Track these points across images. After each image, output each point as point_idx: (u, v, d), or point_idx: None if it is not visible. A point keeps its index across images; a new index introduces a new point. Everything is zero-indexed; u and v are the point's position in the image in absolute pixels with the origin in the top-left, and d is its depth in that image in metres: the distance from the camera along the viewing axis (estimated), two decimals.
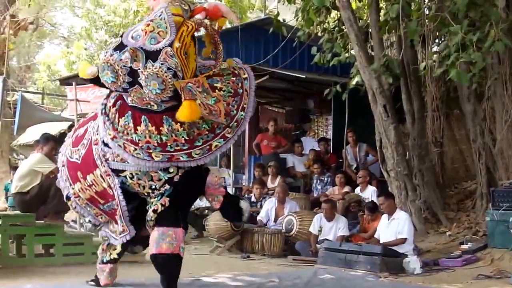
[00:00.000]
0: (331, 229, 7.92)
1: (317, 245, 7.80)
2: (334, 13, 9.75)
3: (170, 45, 3.72)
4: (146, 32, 3.74)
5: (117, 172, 4.20)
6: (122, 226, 4.34)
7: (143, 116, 3.98)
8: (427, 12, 7.81)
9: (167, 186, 4.11)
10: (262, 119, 13.27)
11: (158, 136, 3.97)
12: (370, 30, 8.78)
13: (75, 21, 22.17)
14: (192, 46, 3.90)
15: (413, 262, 6.72)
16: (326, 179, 9.54)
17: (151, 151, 4.01)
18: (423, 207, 8.33)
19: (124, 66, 3.76)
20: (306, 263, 7.41)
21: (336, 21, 9.68)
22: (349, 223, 8.09)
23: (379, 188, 8.82)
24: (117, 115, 4.04)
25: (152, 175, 4.15)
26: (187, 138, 4.01)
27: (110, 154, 4.18)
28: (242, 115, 4.21)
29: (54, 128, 11.98)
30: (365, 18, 9.96)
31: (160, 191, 4.12)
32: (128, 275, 5.74)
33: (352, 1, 9.14)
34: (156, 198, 4.17)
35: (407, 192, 8.31)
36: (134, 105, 4.04)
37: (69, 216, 9.56)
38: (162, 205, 4.14)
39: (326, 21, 9.60)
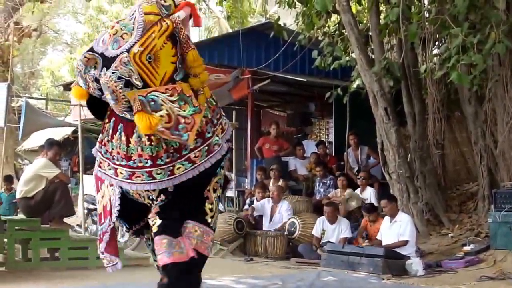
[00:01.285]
0: (333, 231, 7.95)
1: (320, 247, 7.83)
2: (334, 17, 9.79)
3: (128, 50, 3.29)
4: (110, 36, 3.36)
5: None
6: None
7: (120, 124, 3.53)
8: (427, 15, 7.83)
9: (162, 197, 3.57)
10: (263, 122, 13.32)
11: (125, 148, 3.52)
12: (371, 33, 8.80)
13: (78, 27, 22.27)
14: (169, 48, 3.35)
15: (415, 264, 6.73)
16: (328, 181, 9.56)
17: (117, 163, 3.59)
18: (425, 209, 8.33)
19: (90, 73, 3.39)
20: (309, 265, 7.44)
21: (337, 25, 9.73)
22: (351, 225, 8.11)
23: (380, 191, 8.85)
24: (106, 120, 3.65)
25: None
26: (151, 154, 3.48)
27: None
28: (217, 140, 3.61)
29: (58, 134, 12.06)
30: (365, 21, 9.99)
31: (158, 202, 3.61)
32: (132, 279, 5.78)
33: (352, 4, 9.17)
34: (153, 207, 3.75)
35: (409, 194, 8.32)
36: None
37: (74, 220, 9.64)
38: (151, 219, 3.67)
39: (327, 25, 9.65)
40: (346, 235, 7.89)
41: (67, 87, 15.09)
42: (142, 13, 3.32)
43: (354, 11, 9.22)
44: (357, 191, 8.95)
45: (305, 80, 10.47)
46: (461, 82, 6.96)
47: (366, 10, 9.92)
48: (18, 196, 7.68)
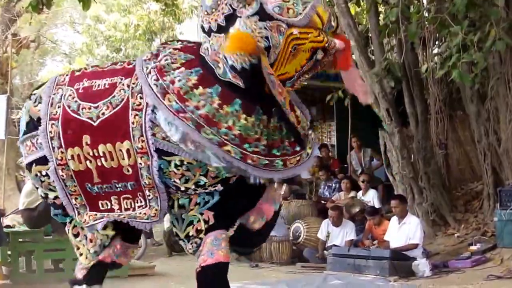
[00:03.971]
0: (339, 234, 7.92)
1: (325, 251, 7.79)
2: None
3: (288, 25, 2.99)
4: None
5: (160, 154, 3.07)
6: (155, 209, 3.17)
7: (236, 99, 2.99)
8: (426, 14, 7.80)
9: (218, 187, 3.11)
10: None
11: (243, 127, 2.99)
12: (370, 35, 8.79)
13: (76, 37, 22.28)
14: (305, 56, 3.10)
15: (422, 265, 6.71)
16: (334, 185, 9.52)
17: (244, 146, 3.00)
18: (430, 210, 8.30)
19: (227, 3, 2.98)
20: (315, 269, 7.40)
21: None
22: (356, 228, 8.08)
23: (385, 192, 8.82)
24: (195, 86, 3.00)
25: (210, 169, 3.06)
26: (266, 141, 3.06)
27: (161, 130, 3.05)
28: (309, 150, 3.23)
29: None
30: (364, 23, 9.98)
31: (207, 191, 3.12)
32: None
33: (350, 6, 9.16)
34: (196, 207, 3.17)
35: (413, 195, 8.31)
36: (225, 79, 3.02)
37: None
38: (205, 221, 3.16)
39: None
40: (351, 237, 7.86)
41: None
42: (314, 11, 3.12)
43: (352, 12, 9.20)
44: (359, 193, 8.91)
45: (305, 83, 10.42)
46: (463, 80, 6.94)
47: (365, 12, 9.90)
48: (20, 207, 7.64)
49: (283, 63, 3.05)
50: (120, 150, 3.12)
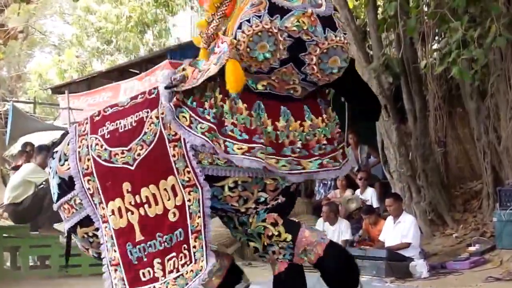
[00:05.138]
0: (334, 233, 7.82)
1: None
2: None
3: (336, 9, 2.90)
4: None
5: (211, 182, 2.84)
6: (201, 261, 2.83)
7: (282, 107, 2.86)
8: (426, 9, 7.71)
9: (281, 198, 2.92)
10: None
11: (303, 134, 2.88)
12: (368, 29, 8.73)
13: (65, 28, 22.05)
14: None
15: (419, 266, 6.66)
16: (329, 182, 9.44)
17: (295, 155, 2.87)
18: (428, 209, 8.23)
19: (288, 36, 2.74)
20: (310, 269, 7.25)
21: None
22: (352, 227, 7.98)
23: (382, 190, 8.73)
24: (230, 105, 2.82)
25: (267, 182, 2.87)
26: (304, 142, 2.91)
27: (206, 155, 2.83)
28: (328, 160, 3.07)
29: (46, 138, 11.84)
30: (362, 17, 9.90)
31: (268, 206, 2.91)
32: None
33: (348, 0, 9.08)
34: (255, 217, 2.93)
35: (411, 193, 8.25)
36: (264, 91, 2.88)
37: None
38: (273, 224, 2.93)
39: None
40: (346, 237, 7.77)
41: (55, 90, 14.90)
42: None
43: (350, 6, 9.14)
44: (357, 191, 8.82)
45: None
46: (462, 77, 6.88)
47: (363, 5, 9.81)
48: (6, 202, 7.51)
49: None
50: (165, 189, 2.85)
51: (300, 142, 2.89)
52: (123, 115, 3.02)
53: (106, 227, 2.93)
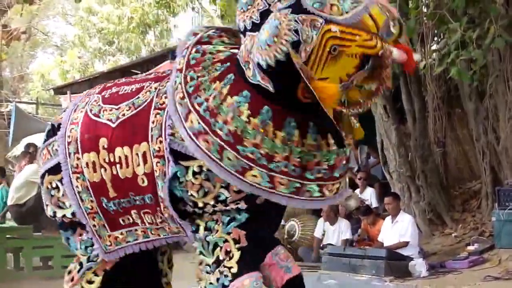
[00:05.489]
0: (334, 232, 7.86)
1: (321, 250, 7.71)
2: None
3: (327, 20, 2.48)
4: None
5: (177, 158, 2.64)
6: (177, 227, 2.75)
7: (265, 106, 2.56)
8: (425, 10, 7.72)
9: (242, 204, 2.63)
10: None
11: (271, 143, 2.54)
12: None
13: (68, 29, 22.09)
14: (353, 64, 2.50)
15: (419, 265, 6.67)
16: None
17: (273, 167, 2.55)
18: (428, 209, 8.26)
19: None
20: (310, 269, 7.30)
21: None
22: (352, 227, 8.01)
23: (381, 191, 8.75)
24: (225, 97, 2.59)
25: None
26: (300, 161, 2.58)
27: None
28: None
29: None
30: None
31: (228, 208, 2.64)
32: None
33: None
34: (221, 226, 2.67)
35: (410, 193, 8.27)
36: (254, 82, 2.57)
37: None
38: (235, 241, 2.63)
39: None
40: (346, 236, 7.79)
41: (57, 90, 14.94)
42: (367, 11, 2.56)
43: None
44: (357, 191, 8.85)
45: None
46: (461, 78, 6.89)
47: None
48: (9, 203, 7.53)
49: (320, 65, 2.48)
50: (137, 154, 2.72)
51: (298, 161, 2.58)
52: (129, 83, 2.99)
53: (78, 177, 2.83)
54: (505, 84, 7.47)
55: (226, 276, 2.61)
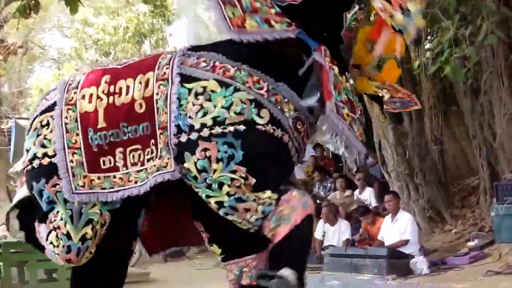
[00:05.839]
0: (334, 233, 7.88)
1: (322, 251, 7.74)
2: None
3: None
4: None
5: (183, 80, 2.55)
6: (167, 158, 2.50)
7: None
8: None
9: (240, 127, 2.48)
10: None
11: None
12: None
13: (64, 41, 22.14)
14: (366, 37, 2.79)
15: (420, 263, 6.69)
16: (329, 185, 9.49)
17: None
18: (427, 206, 8.28)
19: None
20: (312, 270, 7.32)
21: None
22: (352, 227, 8.03)
23: (380, 190, 8.78)
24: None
25: (234, 100, 2.53)
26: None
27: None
28: None
29: None
30: None
31: (226, 130, 2.48)
32: None
33: None
34: (220, 165, 2.46)
35: (409, 192, 8.31)
36: None
37: None
38: (243, 178, 2.47)
39: None
40: (346, 236, 7.82)
41: None
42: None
43: None
44: (356, 192, 8.88)
45: None
46: (455, 75, 6.89)
47: None
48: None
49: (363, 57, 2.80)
50: (140, 82, 2.59)
51: None
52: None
53: (69, 109, 2.68)
54: (499, 80, 7.48)
55: (269, 204, 2.49)
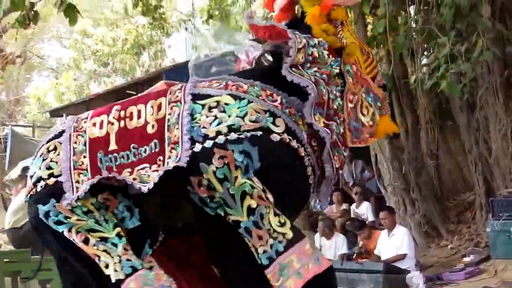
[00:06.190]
0: (330, 247, 7.85)
1: None
2: None
3: None
4: None
5: (195, 98, 2.58)
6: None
7: None
8: (414, 25, 7.80)
9: (257, 132, 2.47)
10: None
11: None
12: None
13: (63, 52, 22.17)
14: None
15: (416, 278, 6.68)
16: None
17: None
18: (423, 221, 8.27)
19: None
20: None
21: None
22: (349, 241, 8.02)
23: (377, 204, 8.78)
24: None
25: (249, 110, 2.53)
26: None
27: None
28: None
29: None
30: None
31: (242, 136, 2.44)
32: None
33: None
34: (239, 171, 2.39)
35: (405, 206, 8.29)
36: None
37: None
38: (263, 189, 2.43)
39: None
40: (343, 251, 7.79)
41: (54, 113, 14.97)
42: None
43: None
44: (353, 206, 8.87)
45: None
46: (451, 91, 6.91)
47: (352, 23, 9.89)
48: (6, 227, 7.52)
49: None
50: (152, 107, 2.57)
51: None
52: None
53: (79, 135, 2.62)
54: (494, 96, 7.52)
55: (280, 242, 2.38)
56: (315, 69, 2.68)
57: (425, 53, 8.64)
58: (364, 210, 8.71)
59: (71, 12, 6.38)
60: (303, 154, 2.54)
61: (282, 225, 2.38)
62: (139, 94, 2.80)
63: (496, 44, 6.78)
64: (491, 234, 7.00)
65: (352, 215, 8.77)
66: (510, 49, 7.20)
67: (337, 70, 2.80)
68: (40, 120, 20.44)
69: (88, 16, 17.46)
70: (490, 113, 7.64)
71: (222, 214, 2.39)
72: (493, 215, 7.06)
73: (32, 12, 6.68)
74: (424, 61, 8.60)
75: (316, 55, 2.71)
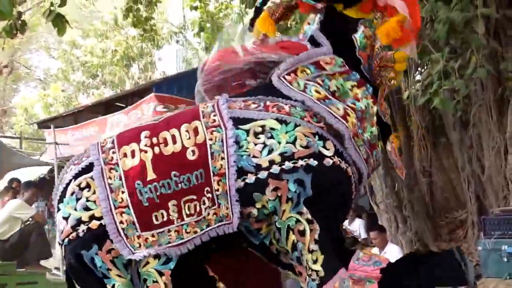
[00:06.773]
0: None
1: None
2: None
3: None
4: None
5: (236, 123, 2.53)
6: (226, 208, 2.40)
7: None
8: None
9: (311, 161, 2.45)
10: None
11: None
12: None
13: (51, 62, 22.08)
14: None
15: None
16: None
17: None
18: (414, 239, 8.22)
19: None
20: None
21: None
22: None
23: (369, 221, 8.72)
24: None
25: (298, 135, 2.51)
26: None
27: None
28: None
29: (33, 173, 11.73)
30: None
31: (297, 165, 2.44)
32: None
33: None
34: (289, 205, 2.42)
35: (397, 224, 8.24)
36: None
37: (52, 263, 9.29)
38: (308, 221, 2.43)
39: None
40: None
41: (41, 124, 14.85)
42: None
43: None
44: (346, 222, 8.80)
45: None
46: (445, 107, 6.89)
47: None
48: None
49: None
50: (187, 131, 2.46)
51: None
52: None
53: (112, 168, 2.48)
54: (488, 113, 7.50)
55: (313, 280, 2.39)
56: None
57: (419, 69, 8.64)
58: (357, 227, 8.65)
59: (59, 22, 6.30)
60: (351, 174, 2.56)
61: (315, 262, 2.39)
62: (164, 116, 2.66)
63: (490, 61, 6.77)
64: (482, 253, 6.92)
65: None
66: (504, 66, 7.20)
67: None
68: (27, 132, 20.27)
69: (77, 27, 17.39)
70: (483, 130, 7.62)
71: (267, 243, 2.48)
72: (484, 233, 6.99)
73: (20, 22, 6.60)
74: (418, 77, 8.60)
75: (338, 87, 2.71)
